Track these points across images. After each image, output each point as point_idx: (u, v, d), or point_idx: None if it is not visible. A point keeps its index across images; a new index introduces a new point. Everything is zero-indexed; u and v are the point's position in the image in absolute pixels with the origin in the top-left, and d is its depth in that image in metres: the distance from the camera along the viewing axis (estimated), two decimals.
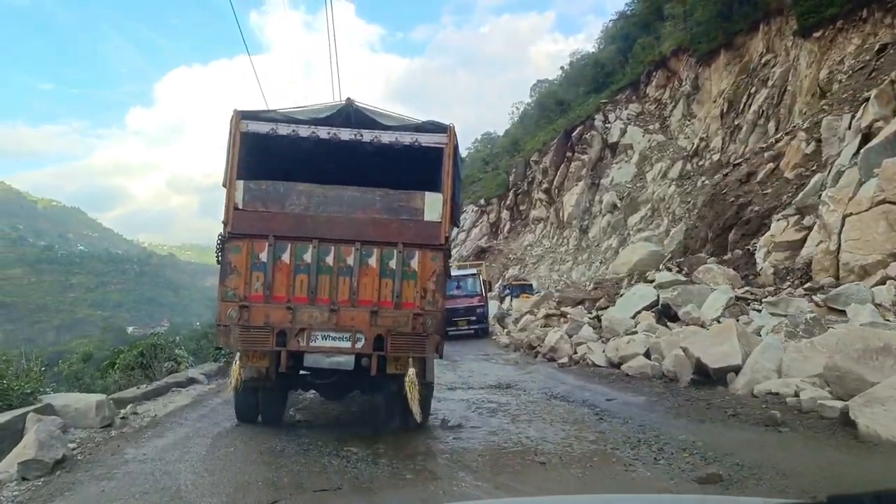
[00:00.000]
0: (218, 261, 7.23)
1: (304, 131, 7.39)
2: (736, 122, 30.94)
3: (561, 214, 38.24)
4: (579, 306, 16.90)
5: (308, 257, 7.07)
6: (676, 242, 29.80)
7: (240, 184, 7.18)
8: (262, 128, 7.32)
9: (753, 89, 30.33)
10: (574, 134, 39.03)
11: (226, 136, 7.40)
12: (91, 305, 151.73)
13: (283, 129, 7.35)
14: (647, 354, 11.07)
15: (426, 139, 7.51)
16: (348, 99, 7.63)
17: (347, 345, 6.99)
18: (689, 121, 34.63)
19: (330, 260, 7.10)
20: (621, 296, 15.30)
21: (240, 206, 7.11)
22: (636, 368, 10.62)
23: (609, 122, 37.77)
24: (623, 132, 36.47)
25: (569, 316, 16.21)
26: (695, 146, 32.67)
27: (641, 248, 21.97)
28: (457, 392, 10.40)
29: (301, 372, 7.44)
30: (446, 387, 10.69)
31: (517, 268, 39.52)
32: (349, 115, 7.53)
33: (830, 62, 27.26)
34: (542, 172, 41.61)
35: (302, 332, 6.95)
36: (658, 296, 13.89)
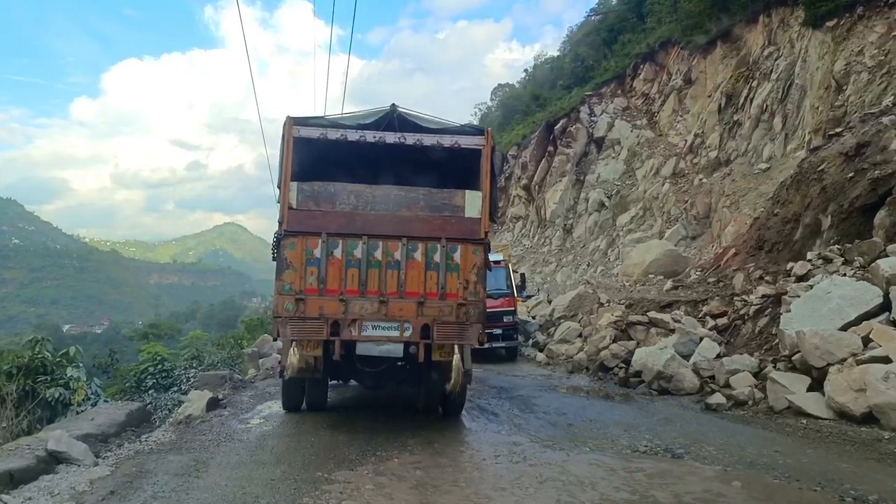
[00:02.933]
0: (274, 257, 7.85)
1: (352, 135, 7.96)
2: (735, 118, 29.37)
3: (542, 212, 36.19)
4: (667, 312, 13.29)
5: (358, 252, 7.70)
6: (698, 239, 27.42)
7: (294, 185, 7.77)
8: (313, 133, 7.92)
9: (755, 83, 28.79)
10: (557, 127, 37.24)
11: (278, 141, 8.02)
12: (24, 302, 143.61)
13: (333, 134, 7.94)
14: None
15: (465, 141, 8.11)
16: (392, 105, 8.18)
17: (396, 333, 7.64)
18: (681, 116, 32.92)
19: (379, 255, 7.72)
20: (796, 297, 10.10)
21: (294, 206, 7.73)
22: None
23: (595, 116, 36.07)
24: (610, 126, 34.72)
25: (668, 325, 12.49)
26: (689, 143, 30.95)
27: (657, 248, 19.88)
28: None
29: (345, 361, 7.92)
30: None
31: None
32: (393, 119, 8.06)
33: (847, 53, 25.20)
34: (520, 167, 39.60)
35: (354, 322, 7.58)
36: (886, 295, 9.03)
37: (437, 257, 7.72)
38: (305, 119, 8.02)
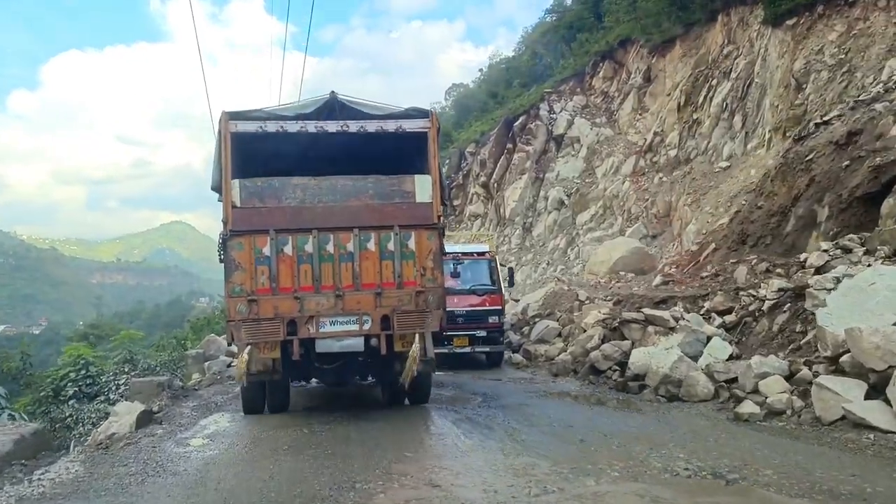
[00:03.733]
0: (221, 259, 7.60)
1: (291, 127, 7.76)
2: (695, 117, 29.28)
3: (502, 210, 35.58)
4: (662, 308, 11.96)
5: (309, 247, 7.56)
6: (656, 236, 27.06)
7: (235, 183, 7.57)
8: (251, 126, 7.66)
9: (714, 82, 28.67)
10: (516, 124, 36.57)
11: (213, 137, 7.97)
12: None
13: (272, 127, 7.70)
14: None
15: (410, 125, 8.00)
16: (332, 93, 7.96)
17: (355, 327, 7.56)
18: (640, 115, 32.72)
19: (331, 248, 7.60)
20: (823, 290, 9.05)
21: (238, 205, 7.53)
22: None
23: (555, 113, 35.60)
24: (570, 124, 34.36)
25: (668, 323, 11.23)
26: (648, 141, 30.69)
27: (623, 245, 19.37)
28: None
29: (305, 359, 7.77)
30: None
31: None
32: (334, 107, 7.90)
33: (807, 52, 25.16)
34: (479, 164, 38.93)
35: (311, 319, 7.47)
36: None
37: (391, 246, 7.68)
38: (242, 113, 7.80)
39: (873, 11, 21.55)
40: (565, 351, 13.42)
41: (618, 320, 12.22)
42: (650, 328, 11.42)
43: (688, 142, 29.29)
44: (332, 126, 7.82)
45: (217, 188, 8.10)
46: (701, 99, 29.41)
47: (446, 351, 13.10)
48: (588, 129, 34.64)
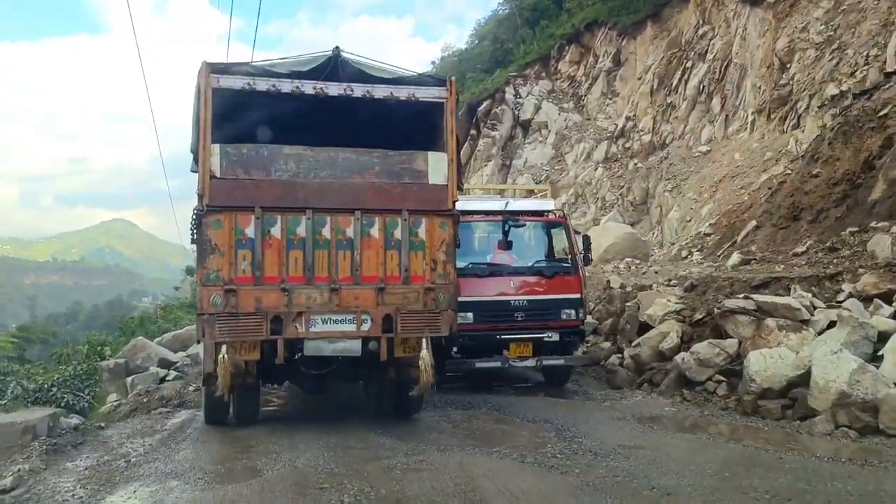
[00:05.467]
0: (193, 240, 6.63)
1: (286, 86, 6.68)
2: (669, 101, 28.13)
3: None
4: (763, 293, 9.28)
5: (302, 230, 6.59)
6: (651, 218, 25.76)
7: (215, 148, 6.48)
8: (237, 83, 6.60)
9: (690, 64, 27.49)
10: (480, 109, 34.86)
11: (192, 92, 6.71)
12: None
13: (262, 85, 6.62)
14: None
15: (424, 93, 7.02)
16: (336, 48, 6.87)
17: (352, 328, 6.59)
18: (610, 99, 31.47)
19: (327, 232, 6.66)
20: None
21: (218, 175, 6.46)
22: None
23: (521, 97, 33.94)
24: (537, 108, 33.08)
25: (799, 314, 8.36)
26: (620, 126, 29.25)
27: (613, 231, 17.96)
28: None
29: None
30: None
31: None
32: (337, 67, 6.82)
33: (790, 30, 23.90)
34: None
35: (300, 316, 6.50)
36: None
37: (397, 233, 6.74)
38: (226, 66, 6.77)
39: None
40: (618, 353, 10.44)
41: (712, 312, 9.14)
42: (769, 321, 8.39)
43: (662, 126, 28.18)
44: (333, 89, 6.69)
45: (195, 153, 6.89)
46: (675, 82, 28.42)
47: (495, 365, 9.22)
48: (556, 115, 33.26)
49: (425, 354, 6.58)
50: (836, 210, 11.79)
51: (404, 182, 6.83)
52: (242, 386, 7.05)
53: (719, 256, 15.16)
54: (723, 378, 8.22)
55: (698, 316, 9.45)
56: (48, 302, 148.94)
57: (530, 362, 9.28)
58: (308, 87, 6.65)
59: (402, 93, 6.85)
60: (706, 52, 27.30)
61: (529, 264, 9.66)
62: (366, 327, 6.53)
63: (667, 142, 27.40)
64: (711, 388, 8.23)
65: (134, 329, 20.65)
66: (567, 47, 35.76)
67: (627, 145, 29.48)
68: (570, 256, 9.83)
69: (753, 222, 14.47)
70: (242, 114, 6.90)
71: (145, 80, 13.52)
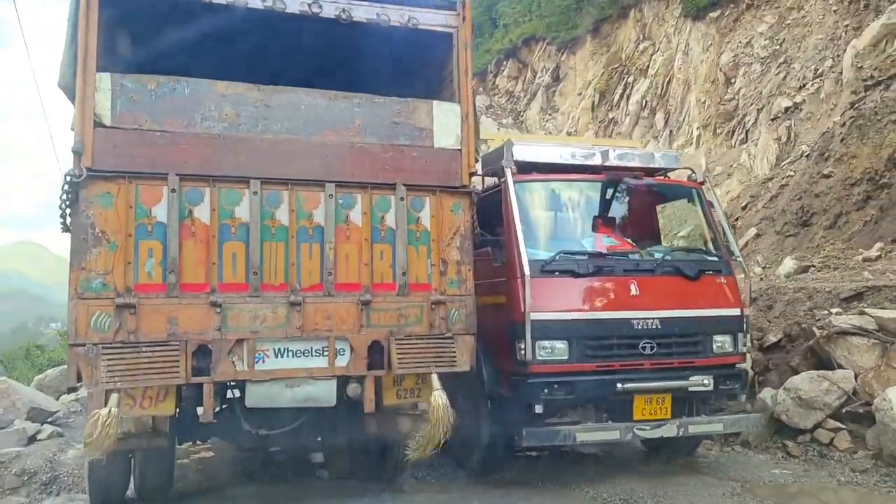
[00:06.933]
0: (65, 224, 4.44)
1: None
2: (611, 116, 27.17)
3: None
4: (853, 309, 7.28)
5: (244, 212, 4.44)
6: None
7: (104, 79, 4.25)
8: None
9: (631, 79, 26.78)
10: None
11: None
12: None
13: None
14: None
15: (427, 18, 5.01)
16: None
17: (322, 363, 4.47)
18: (549, 115, 30.57)
19: (283, 215, 4.53)
20: None
21: (108, 122, 4.24)
22: None
23: None
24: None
25: None
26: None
27: None
28: None
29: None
30: None
31: None
32: None
33: (735, 45, 23.62)
34: None
35: (240, 345, 4.34)
36: None
37: (390, 219, 4.74)
38: None
39: (808, 0, 20.50)
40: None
41: (808, 334, 6.96)
42: None
43: (605, 142, 27.40)
44: (294, 4, 4.59)
45: (68, 89, 4.52)
46: (617, 97, 27.79)
47: (611, 438, 5.71)
48: (495, 130, 32.13)
49: (439, 397, 4.51)
50: (860, 213, 10.45)
51: (399, 144, 4.85)
52: (149, 452, 4.94)
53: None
54: (839, 424, 6.10)
55: (772, 338, 7.28)
56: None
57: (668, 430, 5.48)
58: None
59: (396, 15, 4.90)
60: (647, 67, 26.87)
61: (658, 256, 6.01)
62: (342, 361, 4.52)
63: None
64: (824, 437, 6.08)
65: (15, 359, 17.14)
66: (505, 62, 34.92)
67: None
68: (714, 245, 6.26)
69: (753, 230, 13.28)
70: (151, 33, 4.84)
71: (41, 98, 11.14)
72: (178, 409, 4.51)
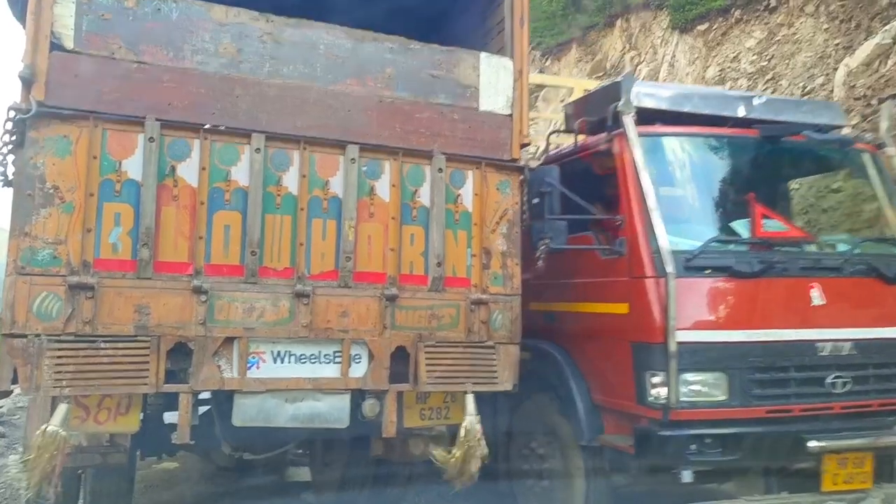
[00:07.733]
0: (5, 175, 3.63)
1: None
2: None
3: None
4: None
5: (242, 173, 3.56)
6: None
7: None
8: None
9: None
10: None
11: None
12: None
13: None
14: None
15: None
16: None
17: (333, 371, 3.62)
18: (533, 122, 29.93)
19: (291, 181, 3.66)
20: None
21: (69, 44, 3.29)
22: None
23: None
24: None
25: None
26: (542, 148, 27.78)
27: None
28: None
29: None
30: None
31: None
32: None
33: (721, 59, 23.46)
34: None
35: (229, 344, 3.45)
36: None
37: (424, 195, 3.88)
38: None
39: (798, 17, 20.46)
40: None
41: None
42: None
43: None
44: None
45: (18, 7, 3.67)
46: None
47: None
48: None
49: (473, 422, 3.65)
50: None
51: (438, 102, 3.99)
52: (103, 470, 4.00)
53: None
54: None
55: None
56: None
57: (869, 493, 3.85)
58: None
59: None
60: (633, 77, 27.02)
61: (843, 249, 4.33)
62: (358, 371, 3.66)
63: None
64: None
65: None
66: None
67: None
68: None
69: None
70: None
71: None
72: (143, 425, 3.65)
